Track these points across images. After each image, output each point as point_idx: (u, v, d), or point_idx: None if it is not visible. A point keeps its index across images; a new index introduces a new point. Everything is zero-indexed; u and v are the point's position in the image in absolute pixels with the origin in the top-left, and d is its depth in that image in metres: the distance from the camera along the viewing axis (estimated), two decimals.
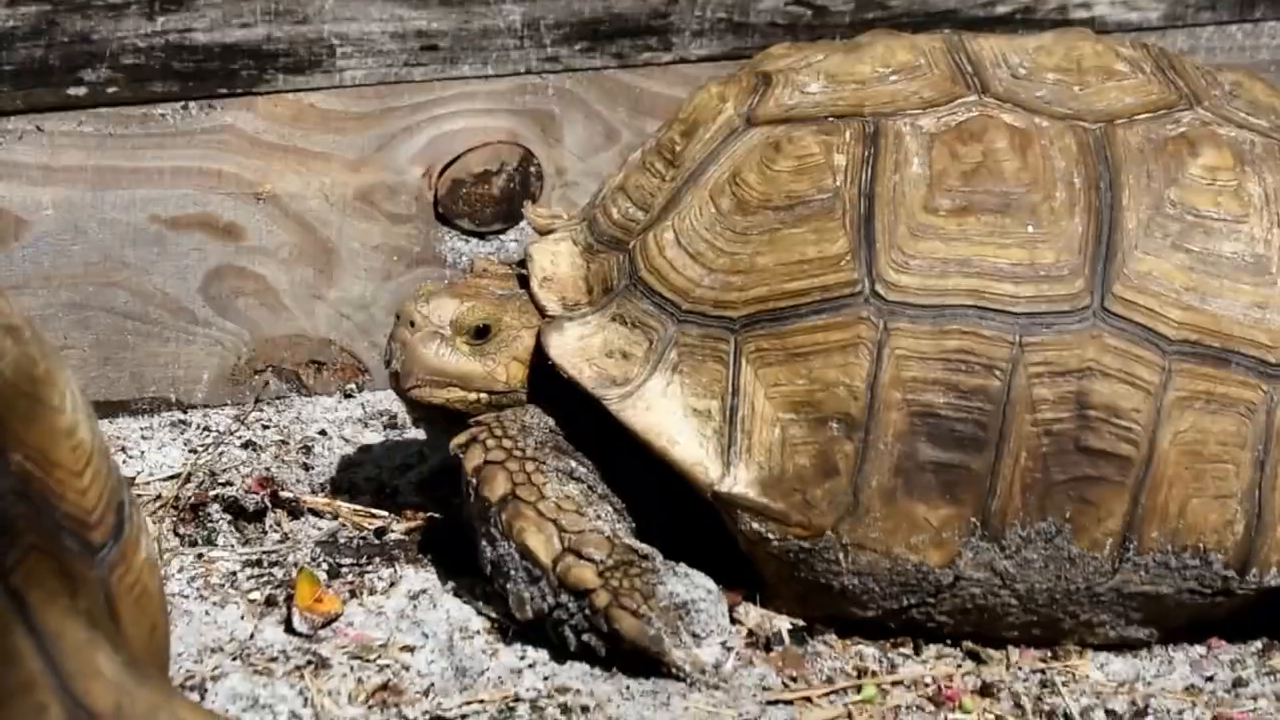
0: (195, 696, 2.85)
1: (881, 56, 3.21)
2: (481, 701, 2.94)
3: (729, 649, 3.01)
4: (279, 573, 3.30)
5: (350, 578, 3.27)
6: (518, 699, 2.93)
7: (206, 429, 3.85)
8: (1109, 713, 2.92)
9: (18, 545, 2.09)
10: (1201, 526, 2.99)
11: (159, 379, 3.95)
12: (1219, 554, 3.00)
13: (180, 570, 3.33)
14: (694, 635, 2.98)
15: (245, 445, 3.78)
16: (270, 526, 3.46)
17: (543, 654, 3.04)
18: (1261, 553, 3.01)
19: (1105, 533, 2.97)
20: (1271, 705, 3.02)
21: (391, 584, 3.27)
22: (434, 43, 3.99)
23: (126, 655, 2.14)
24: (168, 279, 3.93)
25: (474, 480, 3.12)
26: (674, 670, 2.94)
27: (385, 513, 3.52)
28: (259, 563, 3.34)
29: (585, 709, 2.90)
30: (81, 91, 3.86)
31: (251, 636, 3.08)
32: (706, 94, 3.30)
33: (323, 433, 3.86)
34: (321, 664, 3.00)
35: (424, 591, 3.22)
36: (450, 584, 3.26)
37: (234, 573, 3.30)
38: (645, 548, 3.05)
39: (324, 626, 3.11)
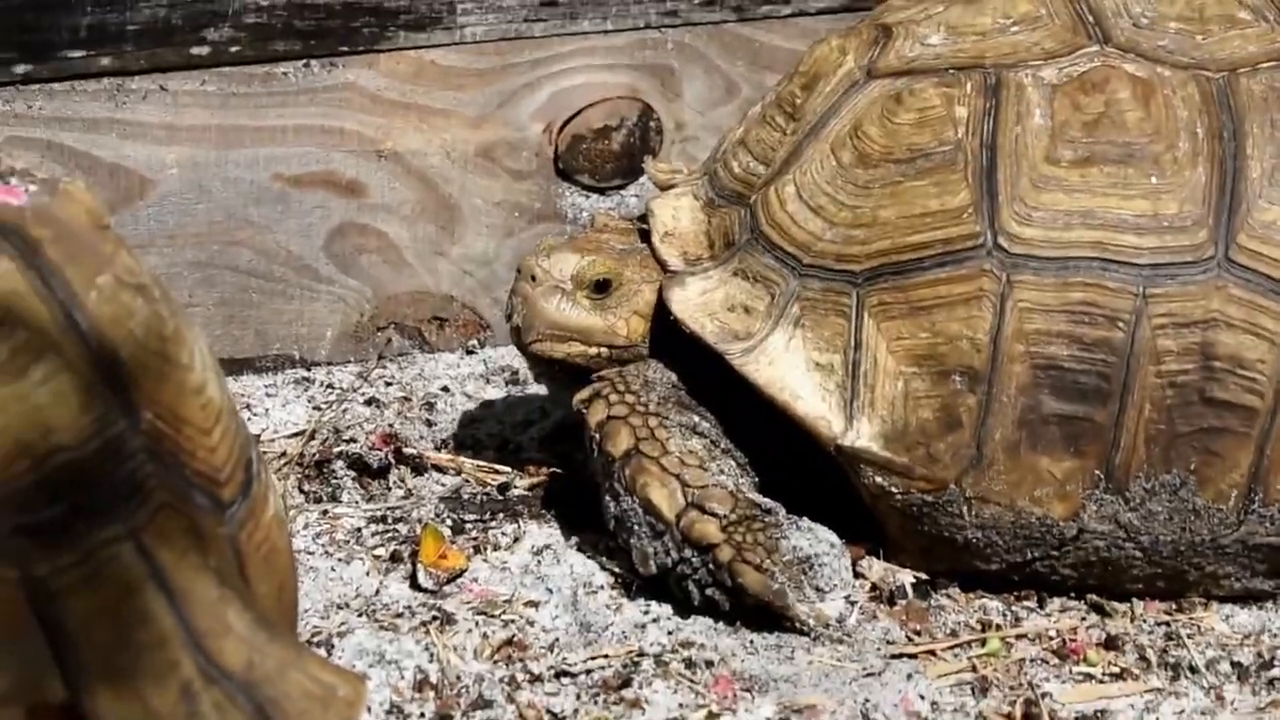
0: (322, 652, 2.88)
1: (1002, 7, 3.23)
2: (606, 656, 2.98)
3: (852, 603, 3.05)
4: (403, 529, 3.36)
5: (474, 533, 3.33)
6: (642, 654, 2.97)
7: (330, 386, 3.92)
8: (1234, 664, 2.95)
9: (149, 504, 2.20)
10: None
11: (283, 337, 4.03)
12: None
13: (306, 527, 3.40)
14: (817, 589, 3.01)
15: (368, 402, 3.86)
16: (394, 483, 3.52)
17: (666, 609, 3.09)
18: None
19: (1230, 484, 3.00)
20: None
21: (515, 540, 3.32)
22: (568, 19, 4.07)
23: (256, 612, 2.30)
24: (291, 237, 4.02)
25: (597, 436, 3.18)
26: (797, 624, 2.99)
27: (508, 468, 3.58)
28: (383, 519, 3.40)
29: (709, 663, 2.94)
30: (204, 51, 3.93)
31: (377, 593, 3.16)
32: (826, 47, 3.32)
33: (445, 389, 3.92)
34: (447, 620, 3.06)
35: (547, 547, 3.27)
36: (574, 539, 3.32)
37: (359, 529, 3.36)
38: (768, 502, 3.08)
39: (449, 582, 3.16)
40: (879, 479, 3.07)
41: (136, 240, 3.71)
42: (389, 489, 3.53)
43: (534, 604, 3.13)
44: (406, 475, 3.56)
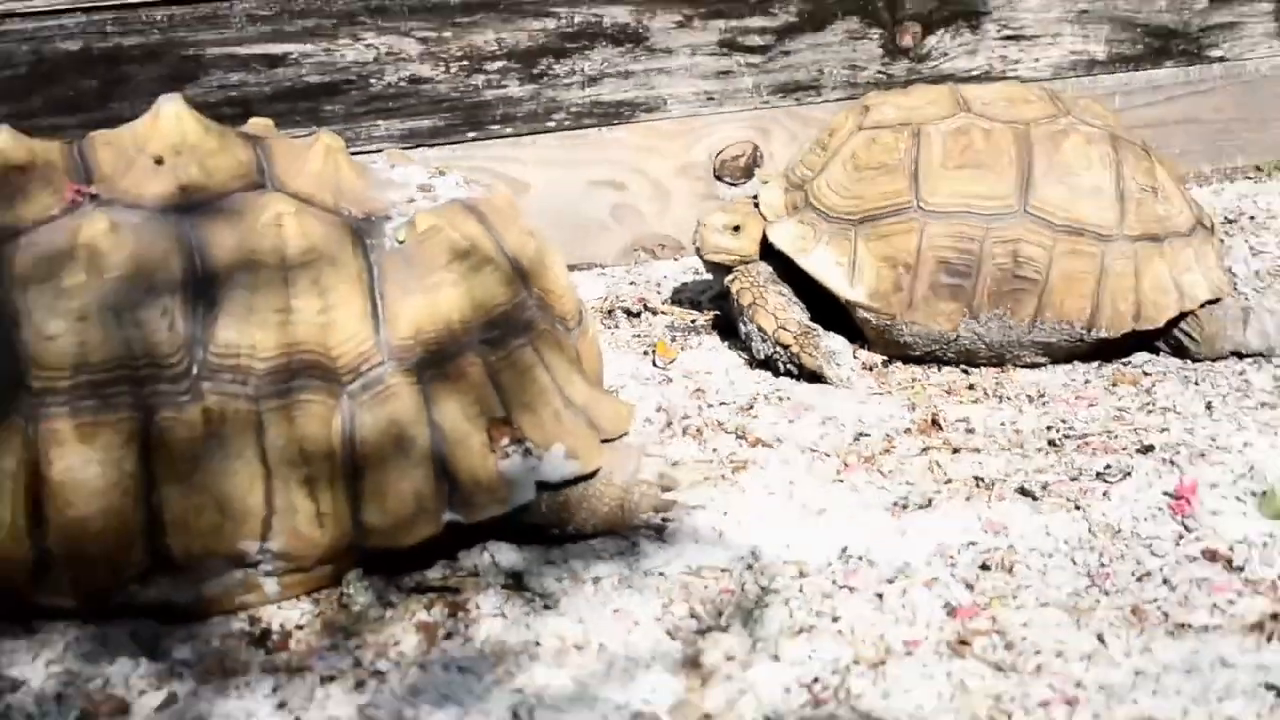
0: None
1: (918, 95, 3.88)
2: (741, 395, 3.63)
3: (852, 370, 3.70)
4: (649, 340, 3.97)
5: (680, 342, 3.95)
6: (758, 395, 3.61)
7: (613, 276, 4.52)
8: (1028, 397, 3.60)
9: (536, 328, 2.78)
10: (1069, 311, 3.68)
11: (592, 253, 4.63)
12: (1079, 321, 3.70)
13: (604, 340, 3.80)
14: (837, 365, 3.67)
15: (630, 283, 4.47)
16: (644, 319, 4.15)
17: (768, 375, 3.73)
18: (1100, 321, 3.68)
19: (1025, 314, 3.69)
20: (1102, 384, 3.68)
21: (699, 345, 3.97)
22: (712, 95, 4.64)
23: (585, 377, 2.89)
24: (594, 207, 4.68)
25: (736, 295, 3.79)
26: (829, 380, 3.66)
27: (696, 313, 4.16)
28: (639, 336, 4.02)
29: (788, 398, 3.59)
30: (556, 121, 4.64)
31: (637, 369, 3.77)
32: (839, 117, 3.92)
33: (665, 276, 4.51)
34: (668, 381, 3.74)
35: (714, 348, 3.95)
36: (726, 343, 3.94)
37: (628, 340, 3.99)
38: (814, 326, 3.71)
39: (668, 365, 3.82)
40: (864, 314, 3.73)
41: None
42: (641, 322, 4.16)
43: (709, 373, 3.76)
44: (648, 316, 4.18)
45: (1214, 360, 3.72)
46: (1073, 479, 3.06)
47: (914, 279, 3.69)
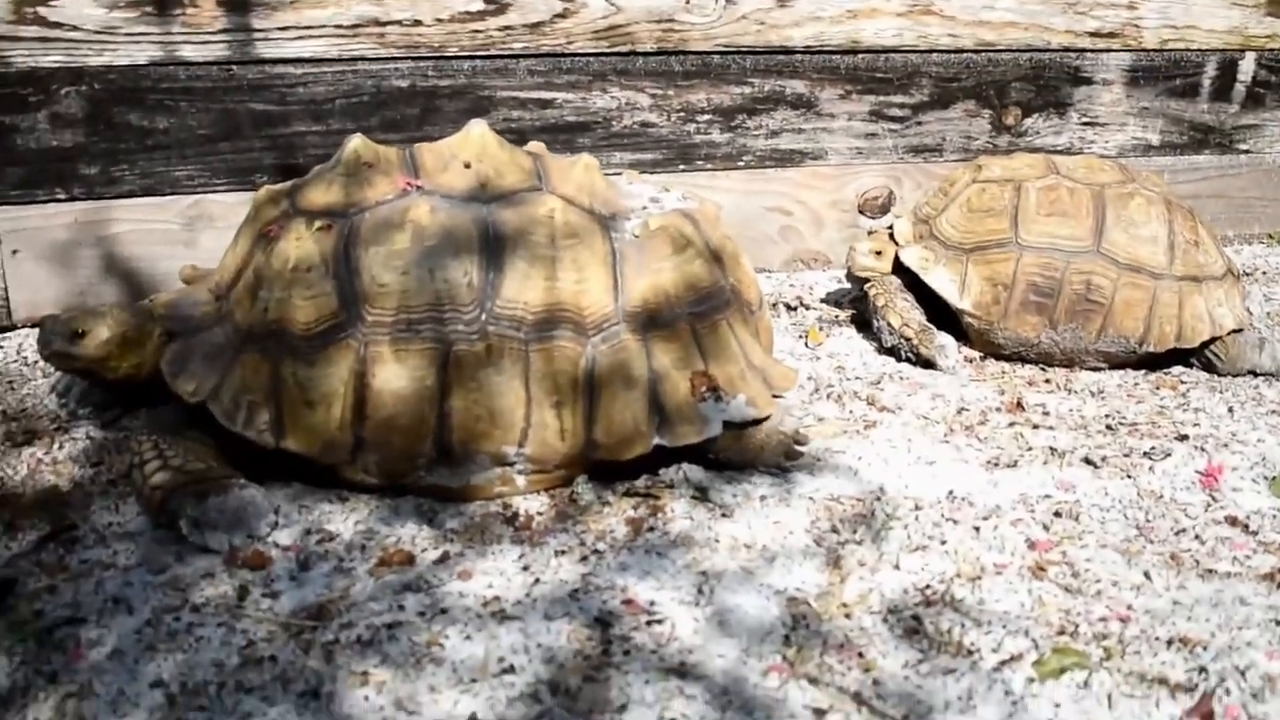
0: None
1: (1019, 159, 3.76)
2: (870, 373, 3.55)
3: (957, 361, 3.60)
4: (802, 328, 3.91)
5: (826, 331, 3.87)
6: (884, 374, 3.52)
7: (777, 279, 4.37)
8: (1091, 392, 3.46)
9: (730, 308, 2.75)
10: (1126, 329, 3.53)
11: (768, 260, 4.42)
12: (1133, 338, 3.56)
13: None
14: (945, 356, 3.56)
15: (790, 285, 4.29)
16: (799, 312, 4.07)
17: (892, 361, 3.62)
18: (1150, 338, 3.55)
19: (1094, 328, 3.55)
20: (1148, 387, 3.53)
21: (840, 334, 3.86)
22: (860, 150, 4.52)
23: (761, 346, 2.87)
24: (766, 228, 4.45)
25: (872, 299, 3.70)
26: (939, 367, 3.57)
27: (838, 310, 4.07)
28: (795, 324, 3.94)
29: (907, 378, 3.49)
30: (744, 161, 4.50)
31: (792, 349, 3.68)
32: (958, 172, 3.84)
33: (816, 283, 4.34)
34: (816, 359, 3.63)
35: (851, 338, 3.85)
36: (860, 335, 3.84)
37: (786, 327, 3.89)
38: (930, 325, 3.62)
39: (816, 347, 3.74)
40: (968, 319, 3.62)
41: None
42: (796, 314, 4.06)
43: (847, 355, 3.68)
44: (803, 310, 4.07)
45: (1235, 376, 3.62)
46: (1125, 455, 2.99)
47: (1009, 296, 3.58)
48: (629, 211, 2.74)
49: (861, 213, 4.49)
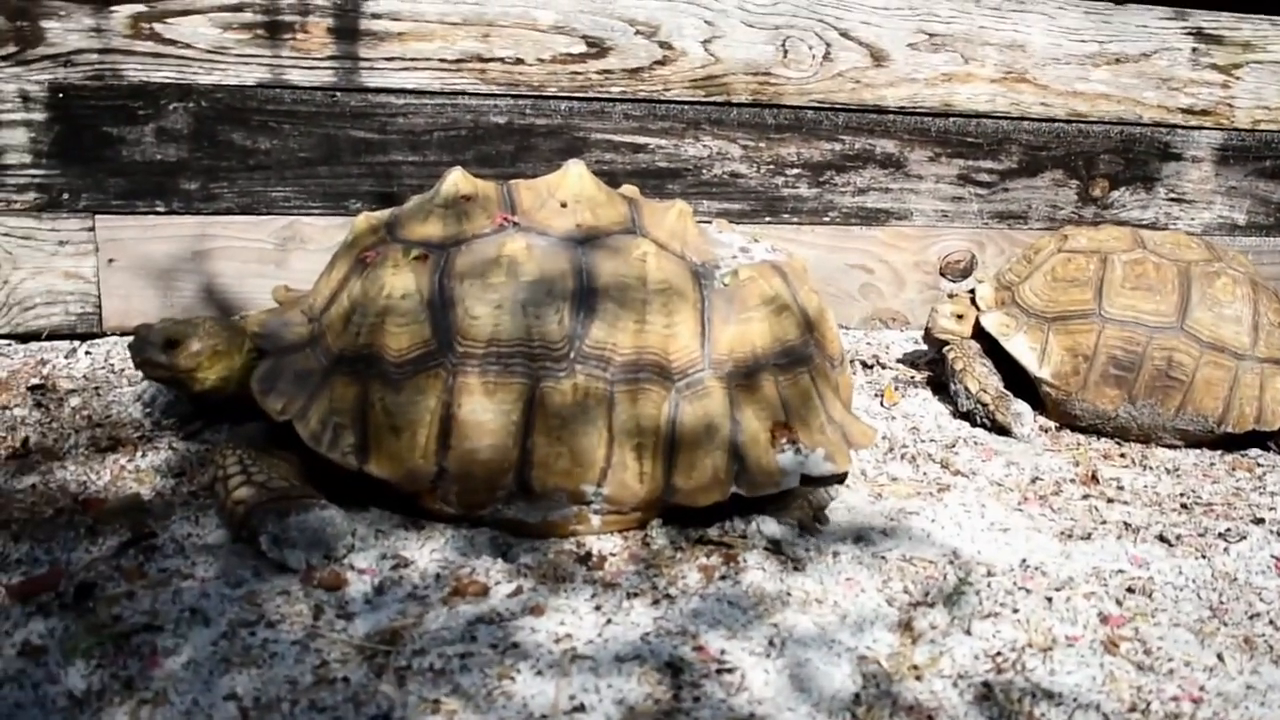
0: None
1: (1106, 231, 3.74)
2: (943, 436, 3.46)
3: (1032, 430, 3.56)
4: (878, 386, 3.85)
5: (902, 391, 3.79)
6: (958, 439, 3.48)
7: (854, 336, 4.36)
8: (1166, 469, 3.39)
9: (811, 363, 2.72)
10: (1206, 408, 3.52)
11: (845, 316, 4.44)
12: (1212, 417, 3.53)
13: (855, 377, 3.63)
14: (1021, 424, 3.52)
15: (867, 343, 4.29)
16: (875, 370, 4.02)
17: (967, 425, 3.59)
18: (1229, 419, 3.52)
19: (1172, 405, 3.52)
20: (1224, 467, 3.46)
21: (915, 395, 3.83)
22: (945, 213, 4.50)
23: (841, 402, 2.85)
24: (850, 284, 4.47)
25: (950, 362, 3.67)
26: (1014, 435, 3.51)
27: (915, 371, 4.01)
28: (871, 382, 3.87)
29: (982, 443, 3.45)
30: (829, 216, 4.49)
31: (867, 407, 3.65)
32: (1043, 240, 3.81)
33: (893, 342, 4.30)
34: (891, 419, 3.60)
35: (926, 399, 3.72)
36: (936, 397, 3.79)
37: (861, 385, 3.82)
38: (1007, 392, 3.59)
39: (892, 407, 3.70)
40: (1046, 388, 3.58)
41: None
42: (872, 372, 4.01)
43: (922, 417, 3.64)
44: (879, 369, 4.03)
45: None
46: (1200, 535, 2.92)
47: (1089, 367, 3.56)
48: (719, 260, 2.71)
49: (943, 275, 4.47)
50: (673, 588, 2.41)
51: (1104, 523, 2.94)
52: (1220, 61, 4.50)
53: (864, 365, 4.02)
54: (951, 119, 4.30)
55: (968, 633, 2.36)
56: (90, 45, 3.36)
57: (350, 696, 1.93)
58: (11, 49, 3.31)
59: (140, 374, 2.85)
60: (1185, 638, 2.41)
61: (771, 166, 4.12)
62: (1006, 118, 4.35)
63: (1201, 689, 2.22)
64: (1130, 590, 2.60)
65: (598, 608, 2.30)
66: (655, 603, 2.34)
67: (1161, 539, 2.87)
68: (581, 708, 1.97)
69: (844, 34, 4.06)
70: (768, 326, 2.66)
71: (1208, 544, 2.85)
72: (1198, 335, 3.52)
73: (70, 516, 2.45)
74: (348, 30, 3.56)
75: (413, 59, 3.63)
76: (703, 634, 2.23)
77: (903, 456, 3.28)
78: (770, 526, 2.65)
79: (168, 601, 2.15)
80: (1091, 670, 2.26)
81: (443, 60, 3.66)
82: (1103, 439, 3.59)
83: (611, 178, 3.79)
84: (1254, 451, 3.59)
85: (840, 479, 2.77)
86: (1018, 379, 3.62)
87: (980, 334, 3.70)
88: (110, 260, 3.52)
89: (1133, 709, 2.13)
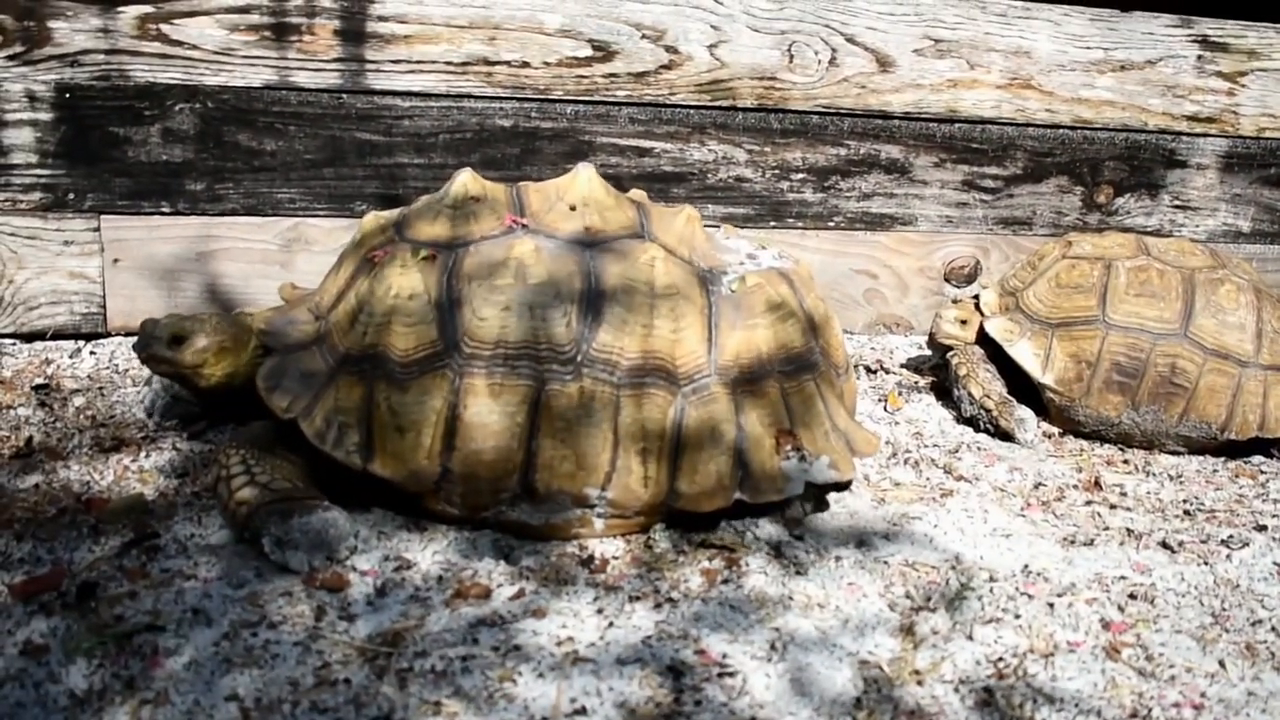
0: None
1: (1110, 238, 3.71)
2: (946, 442, 3.49)
3: (1036, 436, 3.54)
4: (882, 391, 3.86)
5: (905, 396, 3.83)
6: (962, 444, 3.45)
7: (858, 341, 4.34)
8: (1169, 476, 3.39)
9: (817, 370, 2.72)
10: (1209, 414, 3.50)
11: (851, 322, 4.42)
12: (1215, 424, 3.52)
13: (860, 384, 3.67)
14: (1025, 430, 3.51)
15: (871, 348, 4.29)
16: (879, 376, 4.01)
17: (970, 431, 3.58)
18: (1232, 426, 3.50)
19: (1175, 412, 3.50)
20: (1227, 474, 3.44)
21: (919, 401, 3.81)
22: (950, 219, 4.48)
23: (846, 411, 2.84)
24: (853, 289, 4.42)
25: (954, 368, 3.66)
26: (1017, 440, 3.50)
27: (918, 376, 4.02)
28: (874, 388, 3.89)
29: (985, 449, 3.43)
30: (837, 219, 4.50)
31: (870, 412, 3.64)
32: (1047, 246, 3.80)
33: (897, 347, 4.34)
34: (895, 424, 3.59)
35: (930, 405, 3.81)
36: (940, 403, 3.77)
37: (865, 390, 3.84)
38: (1010, 398, 3.56)
39: (895, 412, 3.69)
40: (1050, 394, 3.58)
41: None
42: (876, 377, 4.01)
43: (925, 422, 3.64)
44: (883, 374, 4.02)
45: None
46: (1202, 541, 2.91)
47: (1093, 373, 3.55)
48: (726, 266, 2.71)
49: (947, 280, 4.46)
50: (675, 591, 2.39)
51: (1107, 529, 2.92)
52: (1225, 69, 4.50)
53: (868, 370, 4.01)
54: (957, 125, 4.29)
55: (969, 638, 2.35)
56: (97, 45, 3.35)
57: (351, 698, 1.92)
58: (18, 49, 3.30)
59: (145, 370, 2.82)
60: (1187, 644, 2.39)
61: (777, 171, 4.10)
62: (1012, 124, 4.34)
63: (1203, 695, 2.21)
64: (1132, 596, 2.58)
65: (600, 610, 2.29)
66: (657, 606, 2.33)
67: (1164, 545, 2.85)
68: (583, 710, 1.95)
69: (850, 39, 4.06)
70: (774, 333, 2.65)
71: (1210, 550, 2.84)
72: (1201, 342, 3.50)
73: (73, 516, 2.44)
74: (354, 32, 3.55)
75: (419, 61, 3.62)
76: (704, 637, 2.22)
77: (906, 461, 3.26)
78: (771, 529, 2.66)
79: (170, 601, 2.14)
80: (1093, 676, 2.24)
81: (449, 63, 3.65)
82: (1106, 445, 3.59)
83: (617, 181, 3.76)
84: (1257, 458, 3.57)
85: (844, 486, 2.80)
86: (1021, 385, 3.60)
87: (984, 339, 3.69)
88: (115, 260, 3.52)
89: (1134, 715, 2.12)
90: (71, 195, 3.46)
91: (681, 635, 2.22)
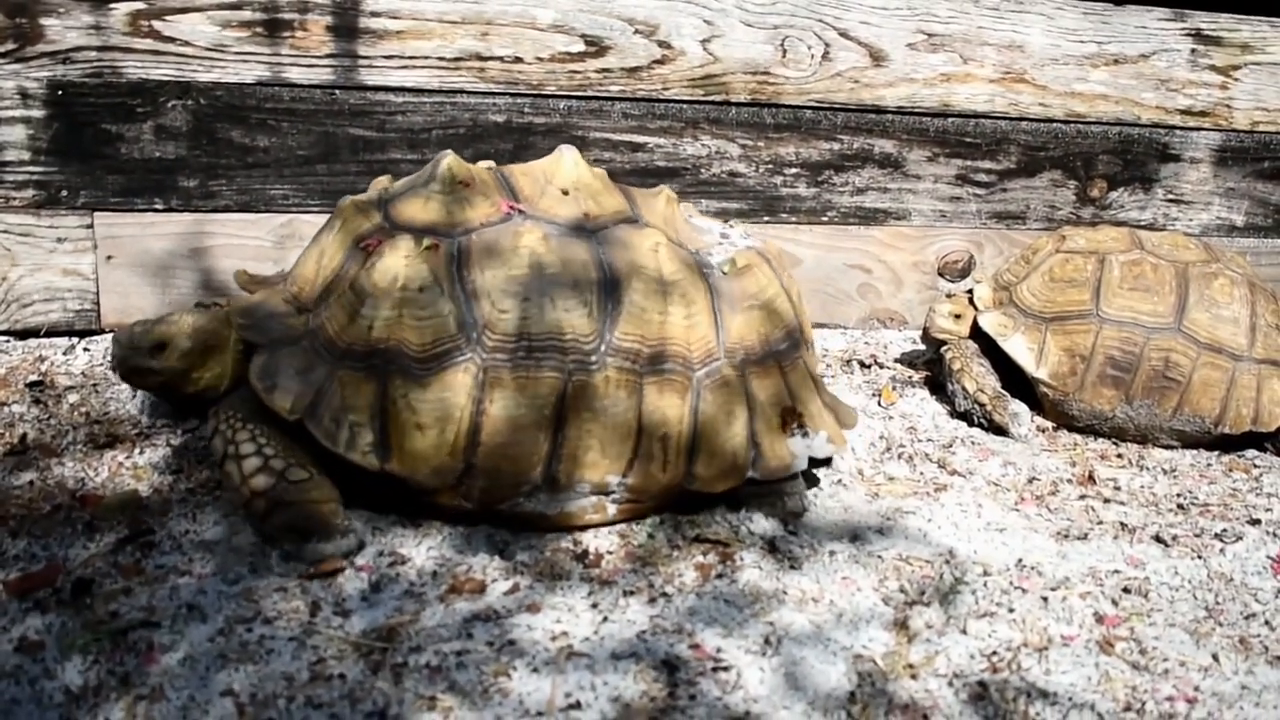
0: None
1: (1104, 232, 3.74)
2: (942, 436, 3.48)
3: (1029, 430, 3.55)
4: (876, 386, 3.86)
5: (899, 391, 3.82)
6: (956, 439, 3.46)
7: (852, 336, 4.34)
8: (1163, 470, 3.39)
9: (793, 354, 2.74)
10: (1203, 409, 3.51)
11: (838, 315, 4.41)
12: (1209, 418, 3.52)
13: (840, 382, 3.84)
14: (1018, 424, 3.52)
15: (865, 343, 4.27)
16: (873, 370, 4.01)
17: (964, 425, 3.58)
18: (1226, 420, 3.50)
19: (1169, 406, 3.50)
20: (1220, 468, 3.45)
21: (913, 395, 3.80)
22: (944, 213, 4.48)
23: (825, 393, 2.88)
24: (846, 284, 4.41)
25: (948, 362, 3.66)
26: (1011, 435, 3.51)
27: (912, 371, 4.01)
28: (868, 382, 3.90)
29: (979, 444, 3.44)
30: (831, 212, 4.51)
31: (864, 406, 3.63)
32: (1041, 240, 3.81)
33: (891, 342, 4.33)
34: (889, 418, 3.59)
35: (924, 399, 3.79)
36: (934, 398, 3.78)
37: (859, 384, 3.83)
38: (1004, 392, 3.57)
39: (889, 406, 3.68)
40: (1043, 388, 3.58)
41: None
42: (870, 371, 4.00)
43: (919, 416, 3.63)
44: (877, 369, 4.02)
45: None
46: (1196, 535, 2.91)
47: (1087, 367, 3.55)
48: (709, 247, 2.73)
49: (941, 275, 4.46)
50: (669, 586, 2.39)
51: (1100, 523, 2.93)
52: (1219, 63, 4.49)
53: (862, 365, 4.01)
54: (950, 119, 4.29)
55: (963, 632, 2.36)
56: (89, 42, 3.35)
57: (347, 693, 1.92)
58: (10, 46, 3.30)
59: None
60: (1181, 638, 2.40)
61: (770, 166, 4.11)
62: (1005, 118, 4.34)
63: (1196, 689, 2.22)
64: (1126, 590, 2.58)
65: (594, 605, 2.29)
66: (651, 601, 2.33)
67: (1158, 539, 2.86)
68: (577, 705, 1.96)
69: (843, 34, 4.05)
70: (768, 313, 2.67)
71: (1204, 544, 2.84)
72: (1195, 336, 3.50)
73: (68, 513, 2.44)
74: (346, 28, 3.55)
75: (411, 57, 3.62)
76: (699, 632, 2.22)
77: (900, 456, 3.27)
78: (765, 524, 2.69)
79: (165, 598, 2.15)
80: (1087, 670, 2.25)
81: (441, 59, 3.65)
82: (1100, 439, 3.58)
83: (610, 176, 3.51)
84: (1250, 452, 3.58)
85: (826, 462, 2.88)
86: (1015, 379, 3.61)
87: (978, 334, 3.68)
88: (109, 257, 3.52)
89: (1128, 709, 2.12)
90: (65, 192, 3.46)
91: (676, 630, 2.22)
